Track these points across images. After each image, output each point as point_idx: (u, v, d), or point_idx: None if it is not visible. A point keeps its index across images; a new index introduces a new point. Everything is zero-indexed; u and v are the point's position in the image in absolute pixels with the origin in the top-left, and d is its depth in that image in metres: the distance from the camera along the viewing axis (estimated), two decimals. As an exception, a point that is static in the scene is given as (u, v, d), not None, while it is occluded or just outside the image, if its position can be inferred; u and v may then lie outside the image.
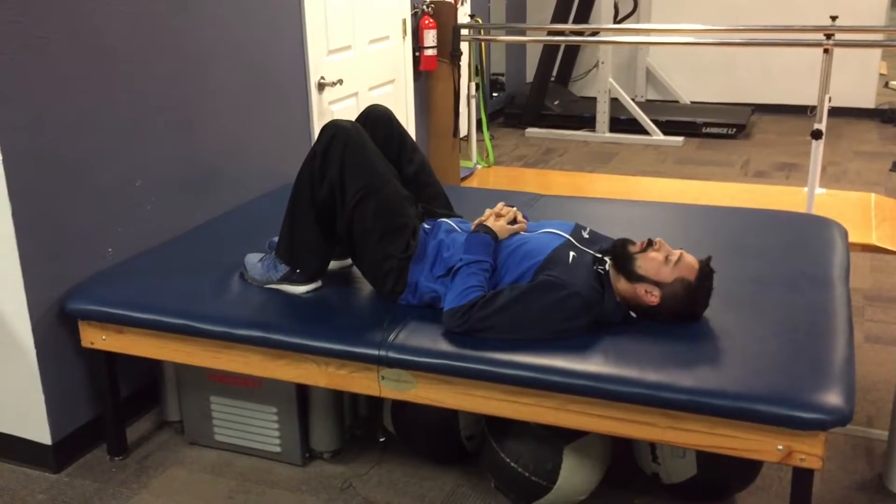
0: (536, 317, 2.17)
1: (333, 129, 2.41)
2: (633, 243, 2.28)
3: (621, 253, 2.27)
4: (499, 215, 2.43)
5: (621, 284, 2.24)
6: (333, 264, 2.62)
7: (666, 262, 2.21)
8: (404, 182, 2.58)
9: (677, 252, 2.24)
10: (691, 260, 2.23)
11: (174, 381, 2.75)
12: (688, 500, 2.40)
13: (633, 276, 2.22)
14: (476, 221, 2.42)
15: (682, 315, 2.22)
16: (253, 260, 2.59)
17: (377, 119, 2.64)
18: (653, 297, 2.21)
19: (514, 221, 2.45)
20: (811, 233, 2.88)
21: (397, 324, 2.29)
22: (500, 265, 2.32)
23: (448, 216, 2.59)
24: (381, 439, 2.66)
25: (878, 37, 6.24)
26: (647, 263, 2.22)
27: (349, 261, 2.61)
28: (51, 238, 2.54)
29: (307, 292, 2.52)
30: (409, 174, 2.62)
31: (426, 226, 2.50)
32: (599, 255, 2.32)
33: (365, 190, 2.37)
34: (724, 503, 2.42)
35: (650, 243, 2.25)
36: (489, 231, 2.35)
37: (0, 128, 2.34)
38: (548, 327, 2.17)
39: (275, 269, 2.52)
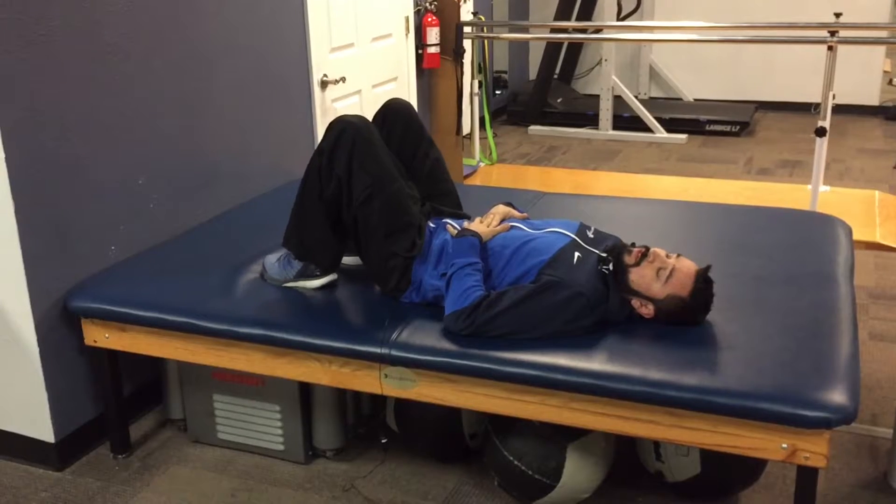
0: (541, 318, 2.16)
1: (342, 124, 2.40)
2: (630, 252, 2.24)
3: (616, 264, 2.24)
4: (481, 222, 2.43)
5: (621, 290, 2.23)
6: (348, 260, 2.60)
7: (657, 278, 2.18)
8: (418, 178, 2.58)
9: (671, 263, 2.19)
10: (687, 271, 2.18)
11: (177, 379, 2.75)
12: (692, 498, 2.40)
13: (627, 290, 2.21)
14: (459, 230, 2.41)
15: (680, 323, 2.21)
16: (272, 260, 2.57)
17: (397, 112, 2.64)
18: (647, 310, 2.21)
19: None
20: (815, 230, 2.87)
21: (400, 322, 2.29)
22: (505, 262, 2.32)
23: (454, 216, 2.58)
24: (384, 441, 2.66)
25: (883, 34, 6.23)
26: (639, 279, 2.20)
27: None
28: (53, 236, 2.53)
29: (323, 286, 2.51)
30: (424, 170, 2.62)
31: (431, 224, 2.49)
32: (604, 255, 2.30)
33: (371, 188, 2.36)
34: (728, 501, 2.42)
35: (644, 254, 2.22)
36: (474, 234, 2.34)
37: (2, 126, 2.34)
38: (552, 327, 2.16)
39: (290, 267, 2.51)
